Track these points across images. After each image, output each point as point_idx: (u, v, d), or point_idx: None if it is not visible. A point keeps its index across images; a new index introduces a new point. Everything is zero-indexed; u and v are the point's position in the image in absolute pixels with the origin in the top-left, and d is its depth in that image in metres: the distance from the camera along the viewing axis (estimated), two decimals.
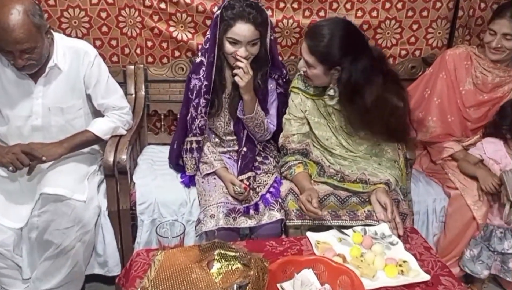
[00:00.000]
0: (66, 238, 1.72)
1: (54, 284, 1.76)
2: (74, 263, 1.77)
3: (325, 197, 1.78)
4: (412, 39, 2.39)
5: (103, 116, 1.98)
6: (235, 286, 1.14)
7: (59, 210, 1.71)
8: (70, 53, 1.86)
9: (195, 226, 1.81)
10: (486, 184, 1.94)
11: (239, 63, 1.80)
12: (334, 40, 1.68)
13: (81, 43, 1.94)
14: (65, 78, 1.85)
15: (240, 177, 1.88)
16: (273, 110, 2.02)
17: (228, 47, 1.83)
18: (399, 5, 2.30)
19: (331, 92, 1.77)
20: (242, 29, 1.79)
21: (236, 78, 1.82)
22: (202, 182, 1.93)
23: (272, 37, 1.91)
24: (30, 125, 1.84)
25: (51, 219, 1.70)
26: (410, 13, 2.33)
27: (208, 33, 1.92)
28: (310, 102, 1.87)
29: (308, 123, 1.90)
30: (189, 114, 1.95)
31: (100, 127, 1.91)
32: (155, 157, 2.20)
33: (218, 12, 1.82)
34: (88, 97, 1.94)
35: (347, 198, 1.78)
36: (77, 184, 1.80)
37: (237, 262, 1.25)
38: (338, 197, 1.78)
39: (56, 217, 1.71)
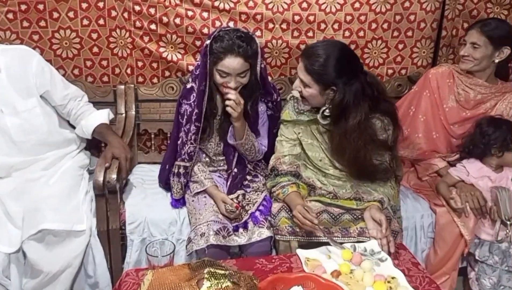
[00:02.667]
0: (55, 264, 1.70)
1: None
2: None
3: (318, 214, 1.78)
4: (398, 58, 2.45)
5: (60, 114, 2.02)
6: None
7: (54, 240, 1.71)
8: (9, 54, 1.86)
9: (186, 245, 1.80)
10: (469, 200, 1.97)
11: (230, 96, 1.82)
12: (330, 60, 1.70)
13: (20, 46, 1.97)
14: (7, 78, 1.83)
15: (230, 196, 1.88)
16: (263, 132, 2.04)
17: (218, 78, 1.85)
18: (385, 26, 2.36)
19: (327, 112, 1.78)
20: (232, 62, 1.79)
21: (229, 110, 1.83)
22: (193, 200, 1.93)
23: (262, 65, 1.92)
24: None
25: (44, 249, 1.69)
26: (395, 33, 2.39)
27: (198, 59, 1.94)
28: (302, 125, 1.89)
29: (301, 144, 1.91)
30: (180, 139, 1.96)
31: (101, 117, 2.00)
32: (145, 176, 2.20)
33: (208, 42, 1.82)
34: (46, 94, 1.94)
35: (340, 215, 1.79)
36: (74, 214, 1.79)
37: (227, 280, 1.25)
38: (331, 214, 1.79)
39: (50, 247, 1.70)
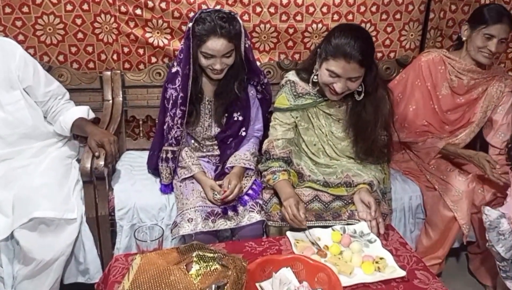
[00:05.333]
0: (48, 253, 1.69)
1: None
2: (55, 279, 1.74)
3: (309, 202, 1.79)
4: (387, 42, 2.44)
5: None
6: (213, 286, 1.15)
7: (46, 229, 1.70)
8: None
9: (171, 229, 1.79)
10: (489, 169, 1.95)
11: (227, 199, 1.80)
12: (369, 40, 1.74)
13: (2, 37, 1.93)
14: None
15: (218, 182, 1.88)
16: (257, 116, 2.04)
17: (203, 61, 1.83)
18: (373, 8, 2.35)
19: (359, 88, 1.77)
20: (215, 44, 1.77)
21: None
22: (180, 186, 1.92)
23: (247, 45, 1.90)
24: None
25: (37, 237, 1.68)
26: (384, 16, 2.38)
27: (182, 42, 1.92)
28: (300, 109, 1.89)
29: (296, 129, 1.91)
30: (166, 123, 1.95)
31: (80, 112, 1.96)
32: (134, 163, 2.19)
33: (190, 25, 1.79)
34: (28, 89, 1.90)
35: (331, 201, 1.80)
36: (65, 202, 1.78)
37: (215, 263, 1.25)
38: (322, 202, 1.80)
39: (43, 235, 1.69)
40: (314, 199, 1.81)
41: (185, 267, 1.24)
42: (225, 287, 1.15)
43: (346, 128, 1.88)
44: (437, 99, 2.16)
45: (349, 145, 1.89)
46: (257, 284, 1.30)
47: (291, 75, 1.92)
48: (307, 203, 1.79)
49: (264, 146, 1.91)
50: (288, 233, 1.58)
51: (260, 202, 1.84)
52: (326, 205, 1.79)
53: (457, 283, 2.21)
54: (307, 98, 1.86)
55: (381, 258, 1.44)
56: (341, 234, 1.57)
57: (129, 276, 1.21)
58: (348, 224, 1.67)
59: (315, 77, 1.80)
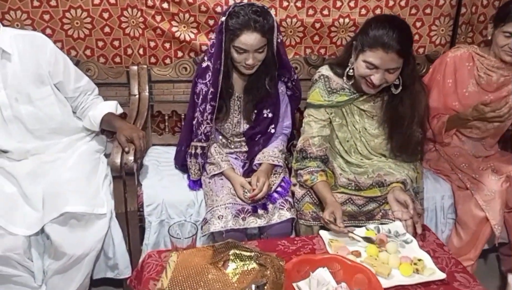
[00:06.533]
0: (79, 247, 1.69)
1: None
2: (85, 275, 1.74)
3: (343, 204, 1.76)
4: (416, 37, 2.39)
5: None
6: (253, 287, 1.13)
7: (77, 224, 1.70)
8: (21, 39, 1.80)
9: (201, 226, 1.78)
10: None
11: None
12: (407, 30, 1.70)
13: (33, 32, 1.91)
14: (21, 64, 1.79)
15: (247, 180, 1.85)
16: (287, 113, 2.02)
17: (235, 56, 1.81)
18: (402, 3, 2.30)
19: (396, 81, 1.74)
20: (249, 38, 1.75)
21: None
22: (209, 182, 1.91)
23: (279, 40, 1.88)
24: (3, 117, 1.81)
25: (68, 231, 1.68)
26: (413, 11, 2.33)
27: (213, 37, 1.90)
28: (334, 105, 1.85)
29: (331, 125, 1.87)
30: (195, 119, 1.93)
31: (109, 107, 1.96)
32: (160, 158, 2.18)
33: (223, 19, 1.77)
34: (59, 85, 1.90)
35: (365, 204, 1.76)
36: (95, 197, 1.77)
37: (252, 262, 1.24)
38: (356, 204, 1.77)
39: (73, 230, 1.69)
40: (348, 201, 1.77)
41: (222, 266, 1.22)
42: (265, 287, 1.13)
43: (380, 124, 1.84)
44: (461, 97, 2.09)
45: (382, 143, 1.86)
46: (294, 284, 1.27)
47: (325, 70, 1.88)
48: (341, 205, 1.75)
49: (300, 144, 1.86)
50: (322, 232, 1.55)
51: (290, 199, 1.82)
52: (360, 208, 1.76)
53: (489, 285, 2.15)
54: (342, 94, 1.83)
55: (419, 260, 1.40)
56: (376, 234, 1.54)
57: (167, 273, 1.20)
58: (382, 223, 1.63)
59: (351, 70, 1.76)
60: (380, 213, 1.69)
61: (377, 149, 1.87)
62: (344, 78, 1.80)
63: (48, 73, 1.84)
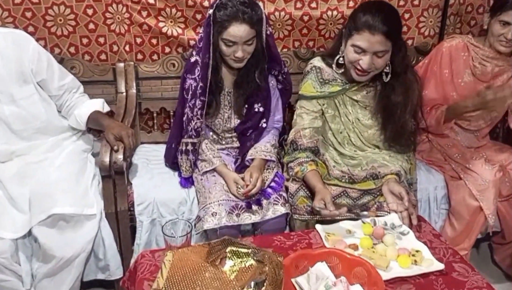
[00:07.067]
0: (69, 249, 1.65)
1: None
2: (76, 277, 1.70)
3: (337, 197, 1.75)
4: (404, 28, 2.37)
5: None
6: (252, 284, 1.10)
7: (65, 225, 1.66)
8: (2, 37, 1.74)
9: (195, 224, 1.76)
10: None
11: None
12: (394, 11, 1.72)
13: (15, 30, 1.86)
14: (2, 64, 1.73)
15: (239, 176, 1.83)
16: (278, 107, 2.00)
17: (224, 49, 1.78)
18: None
19: (387, 69, 1.74)
20: (237, 30, 1.72)
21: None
22: (201, 179, 1.87)
23: (268, 32, 1.85)
24: None
25: (57, 233, 1.64)
26: (401, 2, 2.32)
27: (201, 31, 1.86)
28: (326, 96, 1.84)
29: (323, 116, 1.86)
30: (185, 115, 1.89)
31: (95, 105, 1.91)
32: (149, 156, 2.14)
33: (211, 11, 1.74)
34: (42, 83, 1.85)
35: (360, 197, 1.75)
36: (84, 197, 1.73)
37: (250, 258, 1.21)
38: (350, 197, 1.76)
39: (62, 232, 1.65)
40: (342, 194, 1.76)
41: (219, 264, 1.19)
42: (264, 284, 1.11)
43: (373, 115, 1.83)
44: (457, 86, 2.09)
45: (375, 133, 1.85)
46: (292, 280, 1.25)
47: (316, 61, 1.87)
48: (335, 198, 1.74)
49: (291, 136, 1.85)
50: (318, 226, 1.53)
51: (284, 194, 1.80)
52: (355, 201, 1.74)
53: (482, 274, 2.17)
54: (334, 85, 1.82)
55: (417, 251, 1.39)
56: (372, 227, 1.52)
57: (163, 273, 1.16)
58: (377, 216, 1.62)
59: (341, 59, 1.76)
60: (375, 206, 1.68)
61: (371, 140, 1.86)
62: (334, 65, 1.79)
63: (31, 71, 1.78)
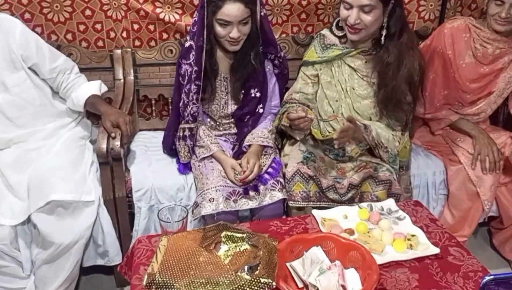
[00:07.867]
0: (67, 236, 1.65)
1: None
2: (75, 263, 1.71)
3: (326, 189, 1.75)
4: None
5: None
6: (246, 267, 1.11)
7: (64, 212, 1.66)
8: None
9: (192, 210, 1.76)
10: (484, 150, 1.93)
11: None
12: None
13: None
14: None
15: (238, 161, 1.83)
16: (276, 92, 2.00)
17: (219, 30, 1.76)
18: None
19: (384, 31, 1.74)
20: (232, 9, 1.70)
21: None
22: (199, 165, 1.88)
23: (262, 13, 1.84)
24: None
25: (55, 220, 1.64)
26: None
27: (195, 15, 1.85)
28: (325, 63, 1.87)
29: (319, 83, 1.88)
30: (181, 101, 1.88)
31: (92, 88, 1.90)
32: (148, 143, 2.14)
33: None
34: (34, 67, 1.83)
35: (346, 193, 1.75)
36: (82, 184, 1.73)
37: (244, 243, 1.21)
38: (338, 193, 1.76)
39: (60, 219, 1.65)
40: (331, 187, 1.76)
41: (214, 248, 1.20)
42: (258, 268, 1.11)
43: (370, 85, 1.82)
44: (459, 67, 2.07)
45: (369, 105, 1.84)
46: (287, 264, 1.25)
47: (324, 30, 1.93)
48: (325, 190, 1.75)
49: (284, 98, 1.94)
50: (314, 211, 1.53)
51: (281, 180, 1.80)
52: (341, 197, 1.75)
53: (480, 259, 2.16)
54: (335, 50, 1.84)
55: (412, 235, 1.39)
56: (369, 212, 1.52)
57: (157, 258, 1.17)
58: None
59: (341, 22, 1.79)
60: (358, 197, 1.72)
61: (363, 111, 1.84)
62: (333, 27, 1.83)
63: (21, 56, 1.76)
